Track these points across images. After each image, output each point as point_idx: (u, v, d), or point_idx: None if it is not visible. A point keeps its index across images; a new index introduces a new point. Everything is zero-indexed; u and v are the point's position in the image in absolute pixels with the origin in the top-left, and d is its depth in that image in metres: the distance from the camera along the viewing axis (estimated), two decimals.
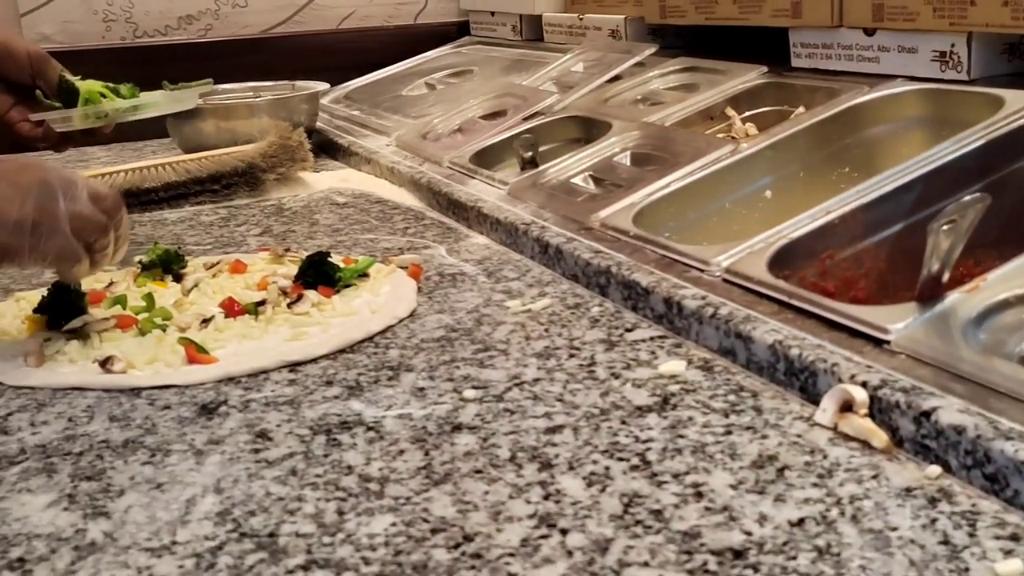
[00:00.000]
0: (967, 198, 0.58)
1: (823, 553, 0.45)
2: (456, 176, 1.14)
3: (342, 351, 0.72)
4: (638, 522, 0.49)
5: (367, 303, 0.80)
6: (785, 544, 0.46)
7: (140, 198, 1.19)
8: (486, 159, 1.18)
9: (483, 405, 0.63)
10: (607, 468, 0.54)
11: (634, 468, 0.54)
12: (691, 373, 0.65)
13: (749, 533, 0.47)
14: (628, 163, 1.03)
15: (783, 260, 0.74)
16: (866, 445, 0.54)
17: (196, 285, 0.84)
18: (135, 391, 0.68)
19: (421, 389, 0.65)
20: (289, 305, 0.78)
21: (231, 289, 0.83)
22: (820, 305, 0.65)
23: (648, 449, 0.56)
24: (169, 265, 0.89)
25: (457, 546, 0.48)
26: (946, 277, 0.60)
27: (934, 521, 0.47)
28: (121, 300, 0.81)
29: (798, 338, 0.63)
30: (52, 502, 0.54)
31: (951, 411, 0.52)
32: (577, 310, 0.78)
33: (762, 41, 1.19)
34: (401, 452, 0.57)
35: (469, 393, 0.64)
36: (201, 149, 1.29)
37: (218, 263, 0.90)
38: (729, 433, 0.57)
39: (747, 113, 1.12)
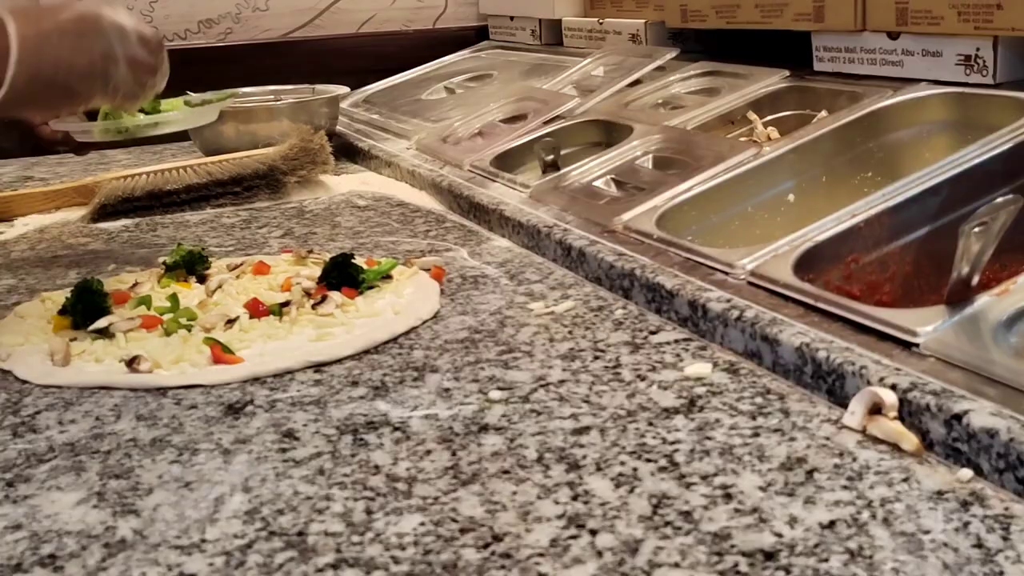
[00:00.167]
0: (999, 200, 0.57)
1: (855, 555, 0.45)
2: (477, 179, 1.14)
3: (367, 352, 0.72)
4: (667, 523, 0.49)
5: (390, 304, 0.80)
6: (816, 546, 0.46)
7: (162, 200, 1.20)
8: (507, 162, 1.18)
9: (509, 406, 0.63)
10: (635, 469, 0.54)
11: (662, 469, 0.54)
12: (717, 375, 0.65)
13: (780, 535, 0.47)
14: (650, 166, 1.03)
15: (808, 263, 0.74)
16: (896, 448, 0.54)
17: (220, 286, 0.84)
18: (161, 391, 0.68)
19: (446, 390, 0.65)
20: (313, 306, 0.78)
21: (255, 290, 0.83)
22: (847, 308, 0.65)
23: (676, 451, 0.56)
24: (193, 266, 0.89)
25: (486, 546, 0.48)
26: (976, 280, 0.60)
27: (967, 524, 0.47)
28: (146, 301, 0.81)
29: (825, 341, 0.62)
30: (82, 499, 0.54)
31: (983, 414, 0.51)
32: (601, 312, 0.78)
33: (783, 45, 1.19)
34: (428, 452, 0.57)
35: (495, 394, 0.64)
36: (222, 152, 1.30)
37: (241, 264, 0.90)
38: (757, 435, 0.57)
39: (769, 117, 1.12)
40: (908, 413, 0.55)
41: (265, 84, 1.55)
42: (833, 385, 0.60)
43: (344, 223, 1.10)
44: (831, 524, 0.48)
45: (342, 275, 0.82)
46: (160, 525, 0.51)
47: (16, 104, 0.78)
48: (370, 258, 0.91)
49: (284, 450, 0.58)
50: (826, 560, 0.45)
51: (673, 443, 0.57)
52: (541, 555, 0.47)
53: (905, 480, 0.51)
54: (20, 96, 0.77)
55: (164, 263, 0.90)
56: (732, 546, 0.47)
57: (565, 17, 1.66)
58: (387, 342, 0.74)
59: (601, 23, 1.55)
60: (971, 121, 0.90)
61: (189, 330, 0.75)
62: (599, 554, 0.46)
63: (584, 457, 0.56)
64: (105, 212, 1.18)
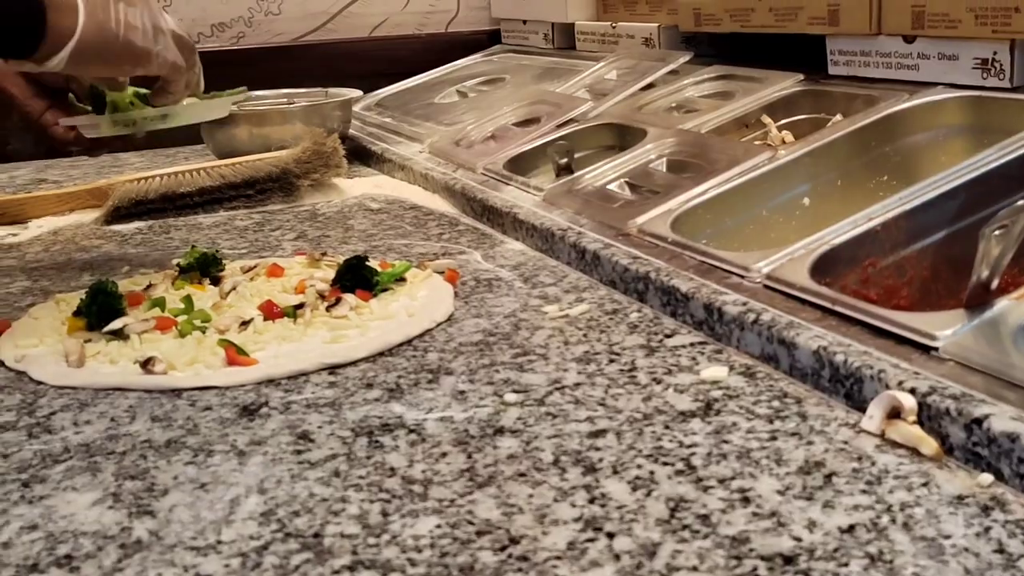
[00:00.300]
0: (1020, 202, 0.57)
1: (875, 560, 0.45)
2: (490, 182, 1.14)
3: (381, 354, 0.72)
4: (685, 526, 0.48)
5: (404, 307, 0.80)
6: (836, 551, 0.46)
7: (175, 203, 1.20)
8: (520, 166, 1.18)
9: (524, 409, 0.62)
10: (652, 472, 0.54)
11: (679, 473, 0.54)
12: (733, 379, 0.65)
13: (799, 539, 0.47)
14: (664, 170, 1.03)
15: (825, 267, 0.73)
16: (915, 452, 0.54)
17: (234, 288, 0.84)
18: (176, 392, 0.68)
19: (461, 392, 0.65)
20: (327, 308, 0.78)
21: (269, 292, 0.83)
22: (864, 311, 0.65)
23: (693, 454, 0.55)
24: (207, 268, 0.89)
25: (503, 548, 0.47)
26: (996, 283, 0.60)
27: (988, 529, 0.47)
28: (160, 302, 0.81)
29: (843, 344, 0.62)
30: (97, 500, 0.54)
31: (1004, 419, 0.51)
32: (615, 316, 0.77)
33: (797, 49, 1.18)
34: (444, 455, 0.57)
35: (510, 397, 0.64)
36: (234, 155, 1.30)
37: (255, 267, 0.90)
38: (774, 439, 0.57)
39: (783, 121, 1.11)
40: (927, 417, 0.55)
41: (278, 88, 1.56)
42: (851, 389, 0.60)
43: (357, 226, 1.10)
44: (850, 528, 0.47)
45: (356, 277, 0.82)
46: (176, 526, 0.51)
47: (85, 58, 0.80)
48: (384, 261, 0.90)
49: (299, 452, 0.58)
50: (846, 565, 0.45)
51: (690, 446, 0.56)
52: (558, 558, 0.46)
53: (925, 485, 0.51)
54: (88, 49, 0.79)
55: (178, 265, 0.90)
56: (751, 550, 0.46)
57: (578, 21, 1.66)
58: (401, 344, 0.74)
59: (614, 27, 1.55)
60: (988, 125, 0.90)
61: (203, 332, 0.75)
62: (616, 557, 0.46)
63: (600, 460, 0.55)
64: (118, 214, 1.18)
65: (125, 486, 0.55)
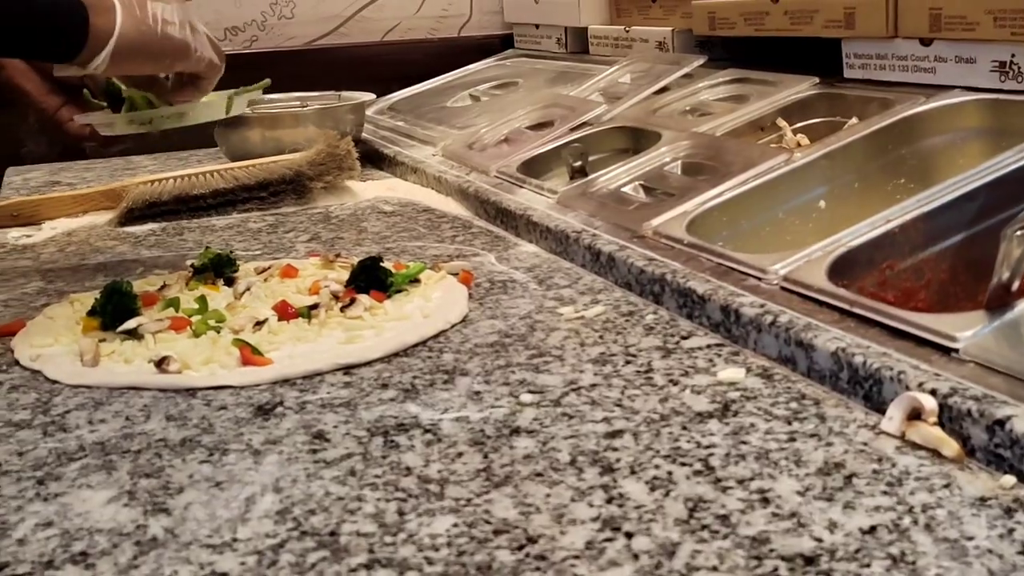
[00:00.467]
0: None
1: (898, 561, 0.44)
2: (504, 185, 1.14)
3: (396, 355, 0.72)
4: (704, 527, 0.48)
5: (419, 308, 0.80)
6: (858, 552, 0.45)
7: (189, 204, 1.20)
8: (533, 169, 1.18)
9: (540, 409, 0.62)
10: (670, 473, 0.53)
11: (697, 473, 0.53)
12: (751, 381, 0.64)
13: (820, 540, 0.46)
14: (679, 172, 1.03)
15: (842, 269, 0.73)
16: (935, 454, 0.53)
17: (248, 289, 0.84)
18: (191, 391, 0.68)
19: (477, 393, 0.65)
20: (342, 309, 0.78)
21: (283, 293, 0.83)
22: (883, 313, 0.64)
23: (711, 455, 0.55)
24: (221, 269, 0.89)
25: (521, 547, 0.47)
26: (1016, 285, 0.59)
27: (1011, 531, 0.46)
28: (174, 303, 0.81)
29: (862, 346, 0.62)
30: (112, 498, 0.54)
31: None
32: (631, 317, 0.77)
33: (812, 52, 1.18)
34: (460, 455, 0.57)
35: (526, 397, 0.63)
36: (248, 158, 1.30)
37: (269, 268, 0.90)
38: (793, 440, 0.56)
39: (798, 124, 1.11)
40: (948, 419, 0.54)
41: (290, 91, 1.56)
42: (870, 390, 0.59)
43: (370, 228, 1.10)
44: (872, 529, 0.47)
45: (370, 278, 0.82)
46: (191, 524, 0.51)
47: (126, 56, 0.82)
48: (397, 262, 0.90)
49: (315, 451, 0.58)
50: (868, 566, 0.44)
51: (708, 447, 0.56)
52: (576, 557, 0.46)
53: (946, 486, 0.50)
54: (129, 47, 0.81)
55: (192, 266, 0.90)
56: (771, 550, 0.46)
57: (591, 25, 1.66)
58: (416, 345, 0.74)
59: (628, 31, 1.55)
60: (1006, 128, 0.89)
61: (218, 332, 0.75)
62: (635, 557, 0.46)
63: (618, 460, 0.55)
64: (132, 216, 1.18)
65: (140, 484, 0.55)
